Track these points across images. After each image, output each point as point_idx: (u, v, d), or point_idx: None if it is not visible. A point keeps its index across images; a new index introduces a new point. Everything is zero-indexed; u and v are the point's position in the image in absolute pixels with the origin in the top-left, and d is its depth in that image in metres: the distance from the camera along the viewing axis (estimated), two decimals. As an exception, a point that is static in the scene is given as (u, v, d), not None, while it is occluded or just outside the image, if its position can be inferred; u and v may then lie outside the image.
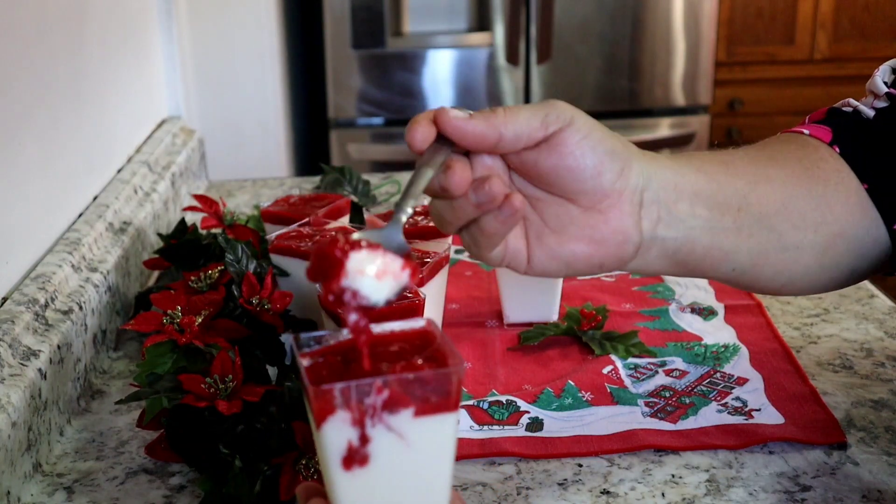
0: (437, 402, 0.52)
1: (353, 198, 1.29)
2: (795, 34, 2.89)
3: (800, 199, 0.73)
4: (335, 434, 0.52)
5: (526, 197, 0.65)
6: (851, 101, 0.80)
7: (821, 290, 0.79)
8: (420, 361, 0.54)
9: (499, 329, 1.04)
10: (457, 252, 1.25)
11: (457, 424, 0.54)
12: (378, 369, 0.53)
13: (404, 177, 1.57)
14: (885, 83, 0.79)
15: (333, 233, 0.56)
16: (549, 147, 0.62)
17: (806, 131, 0.78)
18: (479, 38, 2.55)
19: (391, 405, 0.51)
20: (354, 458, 0.52)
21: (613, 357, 0.96)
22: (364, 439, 0.52)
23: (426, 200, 1.12)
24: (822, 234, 0.74)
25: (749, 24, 2.88)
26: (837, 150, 0.76)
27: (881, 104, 0.78)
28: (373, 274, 0.54)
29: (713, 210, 0.68)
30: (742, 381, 0.91)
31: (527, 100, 2.58)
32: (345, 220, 1.11)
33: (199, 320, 0.90)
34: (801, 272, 0.75)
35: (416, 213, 1.08)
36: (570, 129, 0.62)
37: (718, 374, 0.93)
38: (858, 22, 2.85)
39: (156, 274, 1.17)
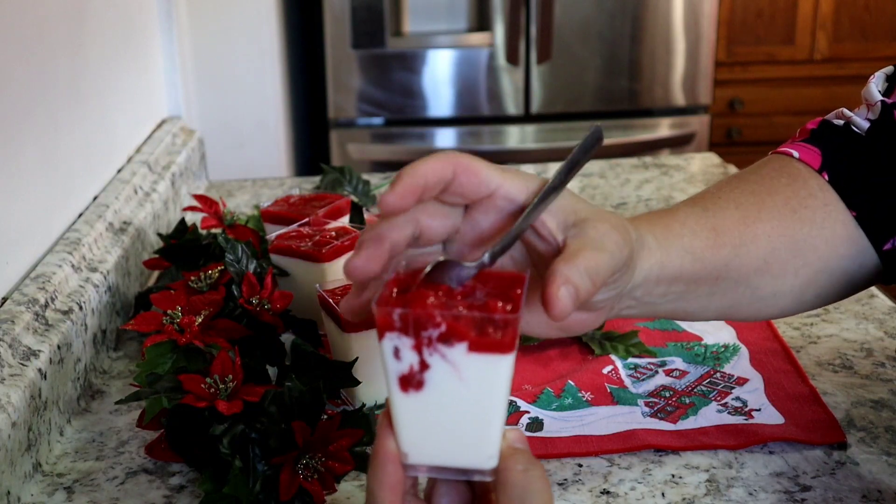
0: (490, 341, 0.54)
1: (353, 198, 1.29)
2: (795, 34, 2.89)
3: (782, 251, 0.74)
4: (393, 354, 0.55)
5: None
6: (845, 111, 0.80)
7: (800, 313, 0.80)
8: (482, 299, 0.57)
9: (499, 329, 1.04)
10: (457, 252, 1.25)
11: (511, 367, 0.55)
12: (445, 300, 0.56)
13: (404, 177, 1.57)
14: (879, 91, 0.79)
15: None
16: None
17: (796, 153, 0.79)
18: (479, 38, 2.55)
19: (447, 338, 0.54)
20: (411, 381, 0.55)
21: (613, 357, 0.96)
22: (421, 365, 0.55)
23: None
24: (802, 276, 0.75)
25: (749, 24, 2.88)
26: (826, 177, 0.77)
27: (873, 116, 0.78)
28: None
29: (689, 284, 0.71)
30: (742, 381, 0.91)
31: (527, 99, 2.58)
32: (345, 220, 1.11)
33: (199, 320, 0.90)
34: (777, 312, 0.78)
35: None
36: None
37: (718, 374, 0.93)
38: (858, 22, 2.85)
39: (156, 274, 1.17)
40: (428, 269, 0.58)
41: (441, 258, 0.59)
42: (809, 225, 0.76)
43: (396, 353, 0.55)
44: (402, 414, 0.57)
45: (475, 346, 0.54)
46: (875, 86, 0.80)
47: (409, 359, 0.55)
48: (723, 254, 0.72)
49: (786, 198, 0.76)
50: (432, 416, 0.56)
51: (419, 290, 0.57)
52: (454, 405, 0.56)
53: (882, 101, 0.78)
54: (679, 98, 2.63)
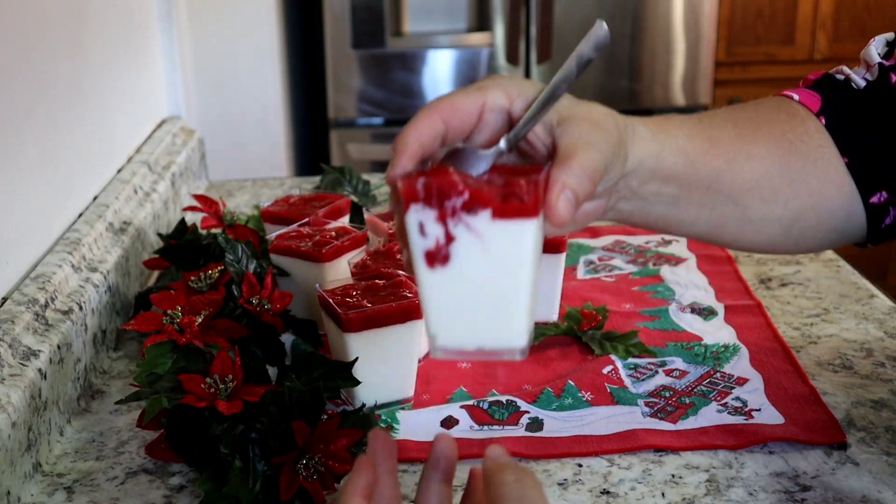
0: (514, 207, 0.54)
1: (353, 198, 1.29)
2: (795, 34, 2.88)
3: (775, 177, 0.76)
4: (418, 229, 0.55)
5: None
6: (845, 68, 0.82)
7: (784, 253, 0.83)
8: (500, 181, 0.57)
9: (499, 329, 1.04)
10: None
11: (536, 235, 0.55)
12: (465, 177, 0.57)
13: (404, 177, 1.57)
14: (879, 54, 0.80)
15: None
16: None
17: (796, 97, 0.80)
18: (479, 38, 2.55)
19: (470, 206, 0.54)
20: (437, 256, 0.55)
21: (613, 357, 0.96)
22: (446, 238, 0.55)
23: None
24: (791, 208, 0.76)
25: (749, 24, 2.88)
26: (823, 121, 0.78)
27: (871, 77, 0.80)
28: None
29: (682, 188, 0.72)
30: (742, 381, 0.91)
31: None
32: (345, 220, 1.11)
33: (199, 320, 0.90)
34: (763, 241, 0.78)
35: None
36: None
37: (718, 374, 0.93)
38: (858, 22, 2.85)
39: (156, 274, 1.17)
40: (443, 153, 0.59)
41: (459, 145, 0.59)
42: (804, 160, 0.77)
43: (421, 228, 0.55)
44: (430, 292, 0.56)
45: (499, 213, 0.54)
46: (875, 48, 0.81)
47: (434, 232, 0.55)
48: (716, 164, 0.73)
49: (783, 130, 0.77)
50: (459, 292, 0.56)
51: (439, 166, 0.57)
52: (481, 279, 0.55)
53: (880, 63, 0.79)
54: (679, 98, 2.63)
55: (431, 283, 0.56)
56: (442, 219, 0.55)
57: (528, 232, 0.55)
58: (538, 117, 0.63)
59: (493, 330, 0.57)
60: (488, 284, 0.56)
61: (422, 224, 0.55)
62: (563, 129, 0.64)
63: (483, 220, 0.54)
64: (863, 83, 0.80)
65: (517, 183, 0.56)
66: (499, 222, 0.55)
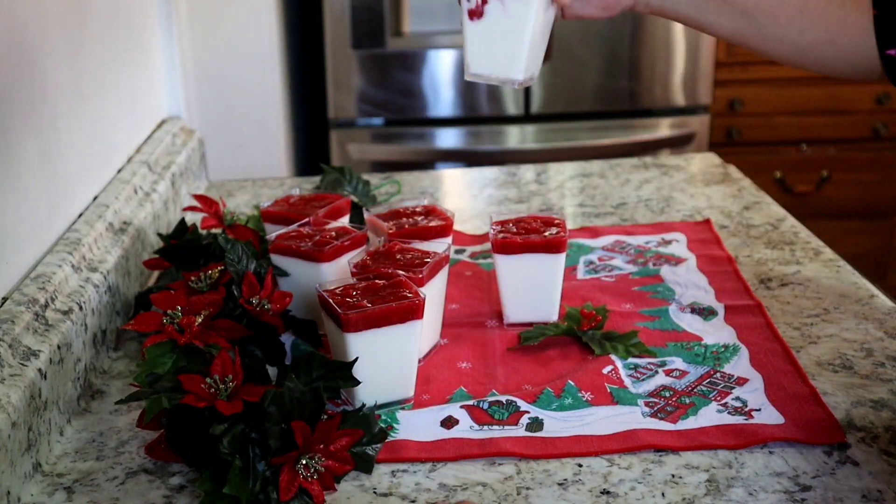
0: None
1: (353, 198, 1.29)
2: (795, 34, 2.89)
3: (790, 7, 0.89)
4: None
5: None
6: None
7: (802, 70, 0.95)
8: None
9: (499, 329, 1.04)
10: (457, 252, 1.25)
11: (537, 7, 0.88)
12: None
13: (404, 177, 1.57)
14: None
15: None
16: None
17: None
18: (479, 38, 2.55)
19: None
20: (476, 13, 0.89)
21: (613, 357, 0.96)
22: (482, 1, 0.89)
23: (426, 201, 1.12)
24: (807, 37, 0.89)
25: (749, 24, 2.88)
26: None
27: None
28: None
29: None
30: (742, 381, 0.91)
31: (527, 100, 2.58)
32: (345, 220, 1.11)
33: (199, 320, 0.90)
34: (781, 56, 0.93)
35: (415, 213, 1.08)
36: None
37: (718, 374, 0.93)
38: (858, 22, 2.85)
39: (156, 274, 1.17)
40: None
41: None
42: (827, 1, 0.88)
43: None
44: (470, 37, 0.91)
45: None
46: None
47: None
48: None
49: None
50: (486, 37, 0.89)
51: None
52: (501, 29, 0.89)
53: None
54: (679, 98, 2.63)
55: (472, 30, 0.90)
56: None
57: (532, 4, 0.88)
58: None
59: (503, 64, 0.90)
60: (505, 34, 0.89)
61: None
62: None
63: None
64: None
65: None
66: None
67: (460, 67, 2.57)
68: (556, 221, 1.04)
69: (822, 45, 0.89)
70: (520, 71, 0.89)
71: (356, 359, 0.85)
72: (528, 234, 1.02)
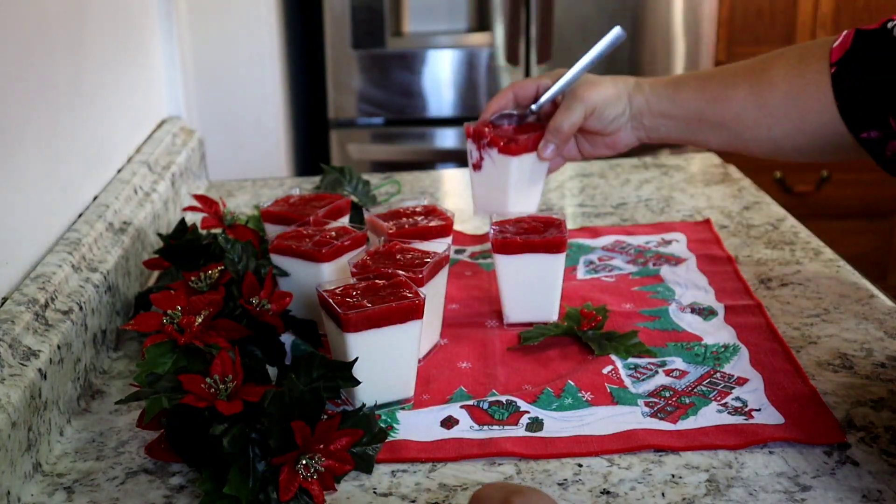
0: (506, 147, 1.11)
1: (353, 198, 1.29)
2: (795, 34, 2.88)
3: (752, 111, 0.99)
4: (469, 153, 1.14)
5: (577, 133, 1.13)
6: None
7: (792, 160, 1.07)
8: (510, 132, 1.14)
9: (499, 329, 1.04)
10: (457, 252, 1.25)
11: (520, 164, 1.12)
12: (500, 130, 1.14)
13: (404, 177, 1.57)
14: None
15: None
16: (586, 128, 1.10)
17: (838, 41, 0.96)
18: (479, 38, 2.55)
19: (490, 144, 1.11)
20: (477, 166, 1.14)
21: (613, 357, 0.96)
22: (479, 157, 1.13)
23: (426, 201, 1.12)
24: (776, 131, 0.98)
25: (749, 24, 2.87)
26: (834, 66, 0.94)
27: None
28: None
29: (678, 122, 1.05)
30: (742, 381, 0.91)
31: (527, 100, 2.59)
32: (345, 220, 1.11)
33: (199, 320, 0.90)
34: (765, 153, 1.04)
35: (415, 213, 1.08)
36: (592, 118, 1.08)
37: (718, 374, 0.93)
38: (858, 22, 2.84)
39: (156, 274, 1.17)
40: (495, 116, 1.14)
41: (511, 111, 1.14)
42: (784, 96, 0.97)
43: (470, 153, 1.13)
44: (473, 183, 1.16)
45: (501, 150, 1.11)
46: None
47: (475, 154, 1.13)
48: (698, 104, 1.02)
49: (779, 74, 0.97)
50: (485, 185, 1.14)
51: (486, 124, 1.13)
52: (493, 180, 1.13)
53: None
54: (679, 98, 2.62)
55: (475, 179, 1.15)
56: (479, 148, 1.13)
57: (513, 162, 1.11)
58: (552, 97, 1.11)
59: (497, 204, 1.13)
60: (496, 181, 1.13)
61: (470, 149, 1.14)
62: (564, 98, 1.08)
63: (494, 152, 1.12)
64: None
65: (516, 137, 1.11)
66: (501, 155, 1.12)
67: (460, 67, 2.57)
68: (556, 221, 1.04)
69: (793, 136, 0.98)
70: (510, 206, 1.12)
71: (356, 359, 0.85)
72: (528, 234, 1.02)
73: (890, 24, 0.92)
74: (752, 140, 1.01)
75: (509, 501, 0.59)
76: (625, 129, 1.08)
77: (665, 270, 1.17)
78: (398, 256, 0.96)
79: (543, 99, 1.12)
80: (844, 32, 0.95)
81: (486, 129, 1.12)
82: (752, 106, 0.98)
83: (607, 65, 2.58)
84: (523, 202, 1.14)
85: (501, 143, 1.11)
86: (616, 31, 1.12)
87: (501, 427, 0.85)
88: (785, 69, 0.97)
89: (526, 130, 1.14)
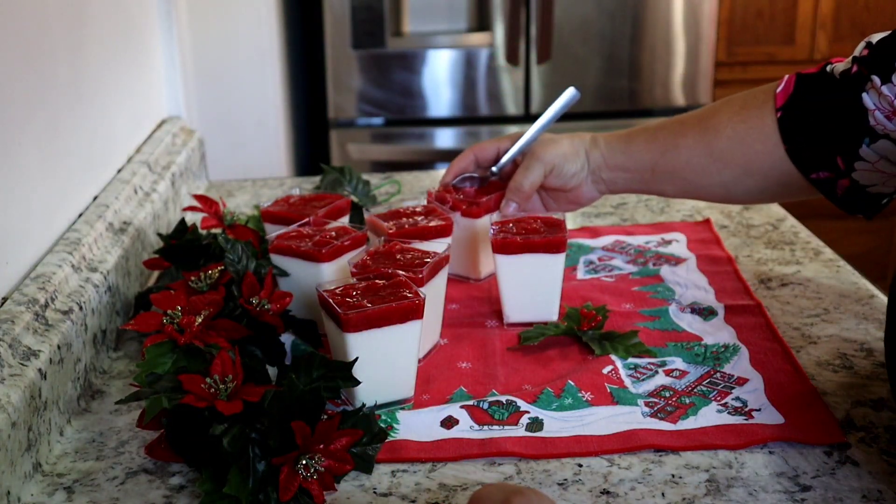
0: (468, 211, 1.12)
1: (353, 198, 1.29)
2: (795, 34, 2.88)
3: (700, 157, 1.02)
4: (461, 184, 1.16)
5: (541, 190, 1.11)
6: (837, 65, 0.95)
7: (745, 204, 1.22)
8: (473, 196, 1.15)
9: (499, 329, 1.04)
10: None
11: (485, 225, 1.10)
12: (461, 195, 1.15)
13: (404, 177, 1.57)
14: (861, 48, 0.92)
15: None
16: (548, 185, 1.10)
17: (781, 86, 0.98)
18: (479, 38, 2.55)
19: (454, 207, 1.11)
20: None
21: (613, 357, 0.96)
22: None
23: (425, 201, 1.12)
24: (725, 175, 1.01)
25: (749, 24, 2.88)
26: (780, 111, 0.96)
27: (845, 67, 0.93)
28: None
29: (634, 174, 1.07)
30: (742, 381, 0.91)
31: (527, 100, 2.59)
32: (345, 220, 1.11)
33: (199, 320, 0.90)
34: (718, 198, 1.07)
35: (415, 213, 1.08)
36: (552, 175, 1.08)
37: (718, 374, 0.93)
38: (858, 22, 2.85)
39: (156, 274, 1.17)
40: (458, 179, 1.14)
41: (473, 173, 1.15)
42: (730, 141, 0.99)
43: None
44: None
45: (465, 214, 1.11)
46: (862, 44, 0.92)
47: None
48: (651, 156, 1.04)
49: (723, 121, 1.01)
50: (454, 245, 1.08)
51: (448, 189, 1.13)
52: (459, 241, 1.12)
53: (854, 56, 0.92)
54: (679, 98, 2.63)
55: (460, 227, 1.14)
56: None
57: (477, 224, 1.12)
58: (512, 157, 1.13)
59: (471, 262, 1.16)
60: (465, 244, 1.14)
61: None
62: (522, 161, 1.09)
63: (458, 216, 1.10)
64: (840, 69, 0.93)
65: (477, 200, 1.12)
66: (464, 218, 1.11)
67: (460, 67, 2.57)
68: (557, 221, 1.04)
69: (742, 179, 1.00)
70: (482, 267, 1.15)
71: (356, 359, 0.85)
72: (528, 234, 1.02)
73: (829, 68, 0.95)
74: (703, 187, 1.03)
75: (509, 502, 0.59)
76: (585, 183, 1.08)
77: (665, 270, 1.17)
78: (398, 256, 0.96)
79: (504, 160, 1.12)
80: (786, 77, 0.98)
81: (448, 195, 1.12)
82: (700, 153, 1.01)
83: (607, 64, 2.59)
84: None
85: (463, 207, 1.11)
86: (570, 91, 1.14)
87: (501, 427, 0.85)
88: (728, 115, 1.00)
89: (489, 191, 1.13)
